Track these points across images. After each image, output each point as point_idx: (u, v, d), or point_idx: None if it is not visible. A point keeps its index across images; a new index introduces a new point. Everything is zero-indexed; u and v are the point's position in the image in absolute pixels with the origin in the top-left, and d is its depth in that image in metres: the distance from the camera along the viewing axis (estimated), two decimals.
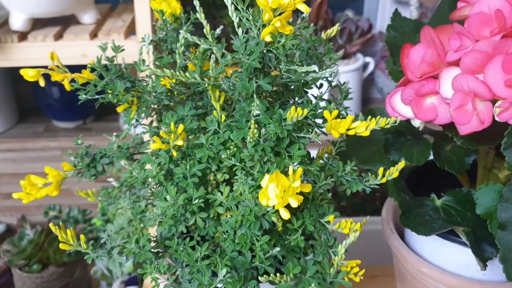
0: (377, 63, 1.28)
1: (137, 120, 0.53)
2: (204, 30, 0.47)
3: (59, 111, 1.32)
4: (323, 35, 0.58)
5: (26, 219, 1.08)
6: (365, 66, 1.27)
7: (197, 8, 0.48)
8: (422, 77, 0.49)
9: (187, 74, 0.45)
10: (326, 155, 0.53)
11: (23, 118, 1.37)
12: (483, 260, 0.53)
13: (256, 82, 0.44)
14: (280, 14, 0.40)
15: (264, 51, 0.42)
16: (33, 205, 1.32)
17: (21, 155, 1.27)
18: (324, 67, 0.56)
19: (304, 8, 0.39)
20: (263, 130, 0.45)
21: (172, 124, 0.46)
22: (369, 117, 0.49)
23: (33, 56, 0.80)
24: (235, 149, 0.46)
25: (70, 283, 1.07)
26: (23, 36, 0.82)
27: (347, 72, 1.18)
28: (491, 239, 0.53)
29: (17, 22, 0.81)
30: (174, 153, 0.47)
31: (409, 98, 0.49)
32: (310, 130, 0.46)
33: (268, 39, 0.40)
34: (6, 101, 1.31)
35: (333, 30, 0.58)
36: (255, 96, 0.44)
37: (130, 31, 0.85)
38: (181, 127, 0.47)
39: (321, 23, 1.20)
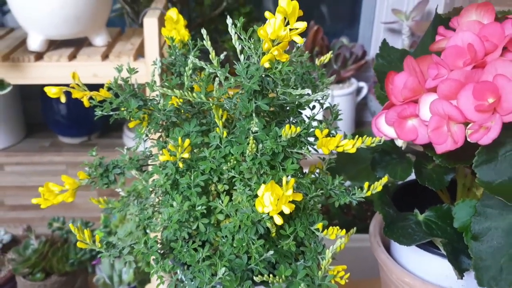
0: (370, 88, 1.34)
1: (146, 135, 0.59)
2: (210, 56, 0.53)
3: (65, 127, 1.37)
4: (317, 62, 0.64)
5: (31, 229, 1.12)
6: (358, 90, 1.33)
7: (204, 36, 0.54)
8: (404, 102, 0.54)
9: (194, 94, 0.51)
10: (317, 171, 0.59)
11: (31, 133, 1.43)
12: (459, 269, 0.58)
13: (255, 103, 0.50)
14: (278, 44, 0.46)
15: (263, 76, 0.48)
16: (37, 217, 1.37)
17: (28, 169, 1.32)
18: (317, 91, 0.61)
19: (299, 40, 0.45)
20: (260, 146, 0.50)
21: (179, 138, 0.51)
22: (356, 136, 0.54)
23: (48, 75, 0.86)
24: (235, 162, 0.51)
25: None
26: (39, 56, 0.88)
27: (341, 96, 1.25)
28: (467, 251, 0.58)
29: (34, 42, 0.87)
30: (180, 165, 0.52)
31: (392, 119, 0.55)
32: (303, 147, 0.51)
33: (266, 65, 0.46)
34: (15, 117, 1.37)
35: (326, 58, 0.64)
36: (253, 115, 0.49)
37: (139, 53, 0.91)
38: (187, 141, 0.52)
39: (317, 49, 1.26)
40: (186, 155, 0.52)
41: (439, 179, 0.60)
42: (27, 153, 1.33)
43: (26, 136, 1.41)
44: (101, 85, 0.57)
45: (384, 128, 0.57)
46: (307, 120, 0.57)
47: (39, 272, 1.07)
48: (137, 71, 0.57)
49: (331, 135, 0.55)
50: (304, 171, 0.59)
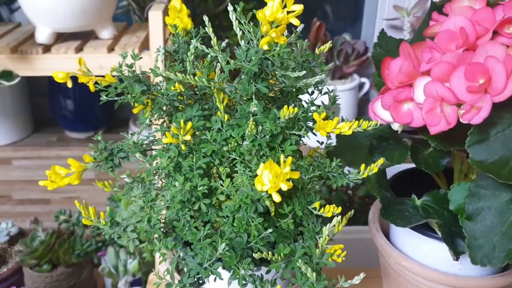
0: (372, 84, 1.36)
1: (150, 120, 0.61)
2: (212, 42, 0.55)
3: (72, 122, 1.40)
4: (317, 51, 0.66)
5: (39, 221, 1.14)
6: (360, 86, 1.35)
7: (206, 22, 0.56)
8: (400, 86, 0.56)
9: (196, 78, 0.53)
10: (316, 155, 0.61)
11: (38, 128, 1.46)
12: (455, 251, 0.59)
13: (255, 86, 0.52)
14: (276, 27, 0.48)
15: (262, 59, 0.49)
16: (44, 211, 1.39)
17: (35, 163, 1.34)
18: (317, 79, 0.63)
19: (296, 22, 0.46)
20: (259, 128, 0.52)
21: (182, 121, 0.53)
22: (353, 120, 0.56)
23: (56, 67, 0.89)
24: (235, 144, 0.53)
25: (77, 284, 1.13)
26: (47, 48, 0.90)
27: (343, 91, 1.26)
28: (464, 234, 0.59)
29: (42, 35, 0.89)
30: (183, 147, 0.54)
31: (388, 103, 0.56)
32: (301, 129, 0.53)
33: (265, 47, 0.48)
34: (23, 112, 1.40)
35: (326, 47, 0.65)
36: (253, 97, 0.51)
37: (144, 46, 0.93)
38: (189, 124, 0.54)
39: (319, 45, 1.28)
40: (188, 137, 0.53)
41: (435, 163, 0.62)
42: (34, 147, 1.35)
43: (34, 131, 1.43)
44: (115, 75, 0.59)
45: (381, 112, 0.58)
46: (306, 106, 0.59)
47: (45, 263, 1.09)
48: (141, 57, 0.59)
49: (329, 119, 0.57)
50: (303, 155, 0.61)
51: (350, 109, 1.31)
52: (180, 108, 0.61)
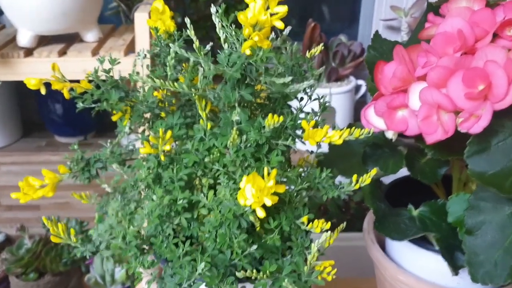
0: None
1: (130, 129, 0.57)
2: (194, 45, 0.51)
3: (61, 126, 1.36)
4: (308, 54, 0.63)
5: (25, 228, 1.11)
6: (357, 88, 1.31)
7: (188, 25, 0.53)
8: (394, 91, 0.52)
9: (175, 84, 0.49)
10: (306, 165, 0.57)
11: (27, 132, 1.42)
12: (454, 266, 0.56)
13: (239, 93, 0.48)
14: (259, 30, 0.45)
15: (246, 64, 0.46)
16: (34, 217, 1.35)
17: (24, 168, 1.31)
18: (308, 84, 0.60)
19: (280, 24, 0.43)
20: (244, 137, 0.48)
21: (160, 130, 0.50)
22: (344, 128, 0.53)
23: (38, 71, 0.85)
24: (218, 154, 0.50)
25: None
26: (29, 52, 0.87)
27: (339, 94, 1.23)
28: (463, 248, 0.56)
29: (24, 38, 0.86)
30: (162, 158, 0.50)
31: (381, 110, 0.53)
32: (288, 138, 0.50)
33: (248, 52, 0.44)
34: (12, 116, 1.36)
35: (317, 49, 0.62)
36: (236, 105, 0.48)
37: (130, 49, 0.90)
38: (169, 133, 0.50)
39: (314, 46, 1.24)
40: (167, 147, 0.50)
41: (432, 172, 0.58)
42: (23, 152, 1.32)
43: (23, 136, 1.40)
44: (92, 81, 0.56)
45: (374, 119, 0.55)
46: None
47: (32, 272, 1.06)
48: (119, 62, 0.55)
49: (318, 127, 0.54)
50: (293, 166, 0.57)
51: (346, 112, 1.27)
52: (162, 115, 0.57)
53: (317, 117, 0.56)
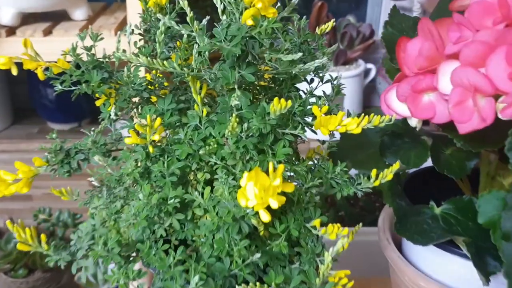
0: (379, 70, 1.25)
1: (116, 115, 0.50)
2: (187, 18, 0.44)
3: (54, 112, 1.29)
4: (317, 31, 0.55)
5: (14, 221, 1.05)
6: (366, 72, 1.23)
7: None
8: (419, 72, 0.45)
9: (165, 63, 0.42)
10: (316, 157, 0.50)
11: (18, 119, 1.35)
12: (485, 274, 0.49)
13: (239, 73, 0.41)
14: None
15: (247, 38, 0.39)
16: (26, 208, 1.29)
17: (14, 157, 1.24)
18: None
19: None
20: (245, 125, 0.41)
21: (148, 117, 0.43)
22: (362, 114, 0.45)
23: (21, 52, 0.78)
24: (215, 145, 0.43)
25: None
26: (11, 31, 0.79)
27: (348, 78, 1.15)
28: (494, 251, 0.48)
29: (6, 16, 0.78)
30: (151, 149, 0.43)
31: (405, 94, 0.45)
32: (297, 127, 0.43)
33: (250, 22, 0.37)
34: (1, 102, 1.29)
35: (328, 26, 0.54)
36: (236, 86, 0.40)
37: (122, 28, 0.83)
38: (158, 120, 0.43)
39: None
40: (156, 137, 0.43)
41: (460, 166, 0.51)
42: (14, 140, 1.25)
43: (13, 122, 1.33)
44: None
45: (395, 104, 0.47)
46: (304, 96, 0.49)
47: (21, 268, 1.00)
48: (102, 38, 0.48)
49: (332, 114, 0.46)
50: (302, 158, 0.50)
51: (355, 98, 1.20)
52: (153, 99, 0.50)
53: (329, 102, 0.48)
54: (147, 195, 0.41)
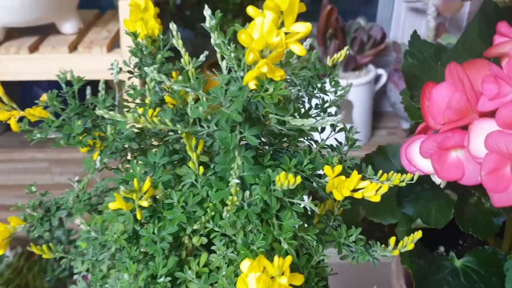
0: (390, 76, 1.18)
1: (104, 163, 0.45)
2: (182, 60, 0.38)
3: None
4: (329, 62, 0.49)
5: None
6: (377, 78, 1.17)
7: (174, 33, 0.40)
8: (446, 125, 0.39)
9: (155, 119, 0.36)
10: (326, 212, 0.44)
11: (10, 127, 1.30)
12: None
13: (240, 133, 0.36)
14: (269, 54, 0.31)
15: (249, 98, 0.33)
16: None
17: (7, 166, 1.19)
18: (327, 101, 0.46)
19: (298, 50, 0.30)
20: (247, 193, 0.36)
21: (135, 181, 0.37)
22: (380, 172, 0.40)
23: (6, 70, 0.72)
24: (212, 213, 0.37)
25: None
26: None
27: (357, 85, 1.09)
28: None
29: None
30: (139, 216, 0.38)
31: (430, 151, 0.40)
32: (304, 194, 0.37)
33: (252, 86, 0.31)
34: None
35: (341, 55, 0.48)
36: (236, 153, 0.35)
37: (115, 42, 0.77)
38: (147, 183, 0.38)
39: (330, 32, 1.10)
40: (145, 203, 0.38)
41: (487, 222, 0.46)
42: (6, 149, 1.19)
43: (5, 130, 1.27)
44: (69, 83, 0.44)
45: (417, 159, 0.42)
46: (313, 146, 0.43)
47: None
48: (83, 80, 0.42)
49: (346, 168, 0.41)
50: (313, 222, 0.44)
51: (364, 105, 1.13)
52: (142, 148, 0.45)
53: (343, 155, 0.43)
54: (133, 273, 0.36)
